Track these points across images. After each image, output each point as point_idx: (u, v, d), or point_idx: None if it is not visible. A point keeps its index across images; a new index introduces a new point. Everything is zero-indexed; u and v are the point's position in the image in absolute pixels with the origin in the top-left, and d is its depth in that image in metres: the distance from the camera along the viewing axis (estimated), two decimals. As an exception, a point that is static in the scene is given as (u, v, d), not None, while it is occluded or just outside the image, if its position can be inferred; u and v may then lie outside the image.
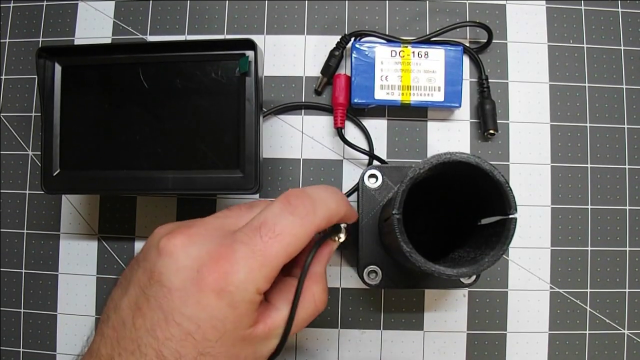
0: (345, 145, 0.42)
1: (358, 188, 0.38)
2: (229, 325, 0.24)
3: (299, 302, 0.27)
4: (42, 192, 0.37)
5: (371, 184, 0.37)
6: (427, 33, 0.42)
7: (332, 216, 0.27)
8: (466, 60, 0.43)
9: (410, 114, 0.43)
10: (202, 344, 0.24)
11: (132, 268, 0.28)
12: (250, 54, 0.35)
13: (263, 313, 0.26)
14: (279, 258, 0.25)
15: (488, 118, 0.41)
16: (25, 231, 0.43)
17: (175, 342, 0.23)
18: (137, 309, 0.24)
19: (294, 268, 0.31)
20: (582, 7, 0.44)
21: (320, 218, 0.26)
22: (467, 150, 0.42)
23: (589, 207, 0.42)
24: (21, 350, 0.42)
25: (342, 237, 0.38)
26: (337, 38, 0.42)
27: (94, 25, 0.44)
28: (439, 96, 0.40)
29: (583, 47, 0.43)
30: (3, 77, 0.45)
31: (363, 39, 0.41)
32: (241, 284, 0.24)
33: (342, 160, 0.42)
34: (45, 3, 0.45)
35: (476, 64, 0.42)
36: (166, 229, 0.27)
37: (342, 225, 0.37)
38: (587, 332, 0.41)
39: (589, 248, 0.42)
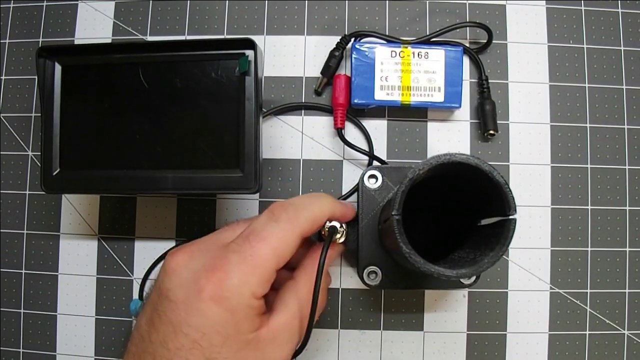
0: (345, 146, 0.42)
1: (358, 189, 0.38)
2: (231, 329, 0.26)
3: (302, 304, 0.29)
4: (42, 192, 0.37)
5: (371, 184, 0.37)
6: (427, 33, 0.42)
7: (317, 218, 0.30)
8: (466, 61, 0.43)
9: (410, 115, 0.43)
10: (209, 350, 0.25)
11: (151, 290, 0.30)
12: (250, 53, 0.35)
13: (265, 319, 0.28)
14: (269, 260, 0.27)
15: (488, 118, 0.41)
16: (25, 231, 0.43)
17: (185, 351, 0.25)
18: (152, 325, 0.27)
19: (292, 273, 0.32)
20: (582, 7, 0.44)
21: (303, 221, 0.28)
22: (467, 150, 0.42)
23: (589, 207, 0.42)
24: (21, 350, 0.42)
25: (341, 238, 0.38)
26: (337, 38, 0.42)
27: (94, 26, 0.44)
28: (439, 97, 0.40)
29: (583, 47, 0.43)
30: (3, 77, 0.45)
31: (363, 40, 0.41)
32: (236, 289, 0.26)
33: (342, 160, 0.42)
34: (45, 3, 0.45)
35: (476, 64, 0.42)
36: (174, 250, 0.29)
37: (337, 226, 0.37)
38: (587, 332, 0.41)
39: (589, 248, 0.42)
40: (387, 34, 0.43)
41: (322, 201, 0.31)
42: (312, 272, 0.29)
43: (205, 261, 0.27)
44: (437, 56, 0.40)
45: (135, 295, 0.42)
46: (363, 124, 0.42)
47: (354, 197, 0.42)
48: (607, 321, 0.41)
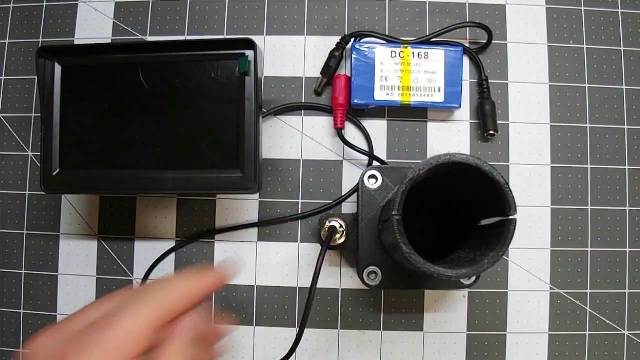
0: (345, 146, 0.42)
1: (358, 189, 0.38)
2: None
3: None
4: (42, 192, 0.37)
5: (371, 184, 0.37)
6: (427, 34, 0.42)
7: (176, 303, 0.28)
8: (466, 61, 0.43)
9: (410, 115, 0.43)
10: None
11: None
12: (250, 53, 0.35)
13: None
14: (128, 343, 0.25)
15: (488, 119, 0.41)
16: (25, 231, 0.43)
17: None
18: None
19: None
20: (582, 8, 0.44)
21: (162, 306, 0.27)
22: (467, 151, 0.42)
23: (589, 207, 0.42)
24: (21, 350, 0.42)
25: (341, 238, 0.38)
26: (337, 39, 0.42)
27: (94, 26, 0.44)
28: (439, 97, 0.40)
29: (583, 47, 0.43)
30: (3, 77, 0.45)
31: (363, 40, 0.41)
32: None
33: (342, 161, 0.42)
34: (45, 3, 0.45)
35: (476, 64, 0.42)
36: (37, 335, 0.28)
37: (336, 226, 0.37)
38: (587, 332, 0.41)
39: (589, 249, 0.42)
40: (387, 34, 0.43)
41: (183, 284, 0.30)
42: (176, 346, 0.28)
43: (63, 345, 0.26)
44: (437, 56, 0.40)
45: (135, 296, 0.42)
46: (363, 124, 0.42)
47: (354, 197, 0.42)
48: (607, 321, 0.41)
